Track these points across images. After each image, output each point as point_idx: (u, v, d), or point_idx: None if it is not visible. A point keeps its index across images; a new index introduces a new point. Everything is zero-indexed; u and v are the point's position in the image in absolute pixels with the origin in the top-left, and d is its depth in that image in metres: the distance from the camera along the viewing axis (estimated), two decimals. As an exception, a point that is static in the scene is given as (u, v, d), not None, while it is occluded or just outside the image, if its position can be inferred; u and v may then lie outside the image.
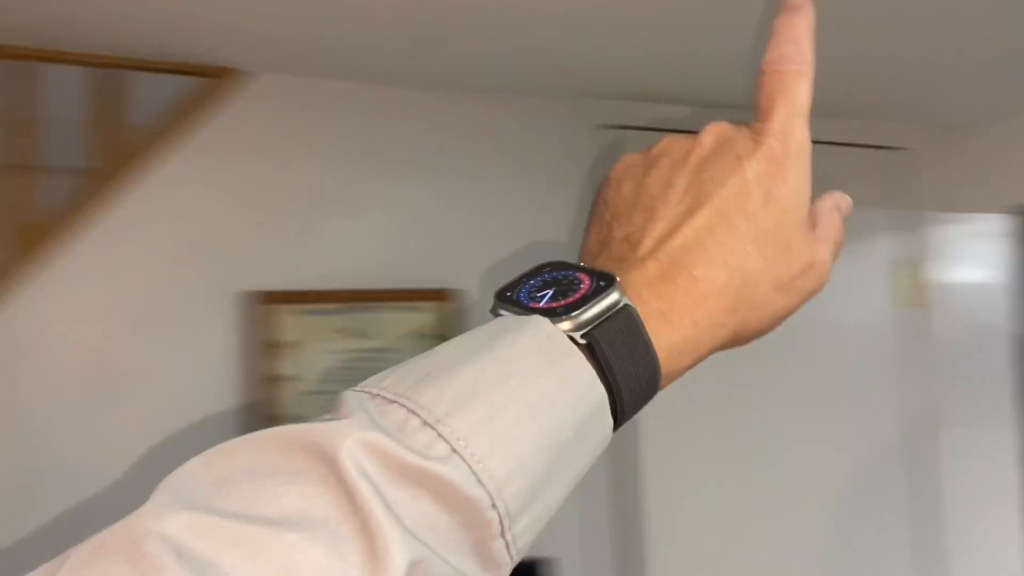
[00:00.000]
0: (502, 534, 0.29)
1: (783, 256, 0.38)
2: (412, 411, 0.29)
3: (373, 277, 1.95)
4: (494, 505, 0.28)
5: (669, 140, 0.41)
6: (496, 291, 0.39)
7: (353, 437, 0.27)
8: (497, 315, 0.38)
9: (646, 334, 0.35)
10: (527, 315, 0.35)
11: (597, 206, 0.42)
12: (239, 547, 0.25)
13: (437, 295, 1.99)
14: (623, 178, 0.41)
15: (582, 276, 0.37)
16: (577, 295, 0.35)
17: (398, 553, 0.26)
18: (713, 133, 0.39)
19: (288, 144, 1.92)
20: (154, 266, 1.79)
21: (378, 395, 0.30)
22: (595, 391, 0.33)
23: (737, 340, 0.38)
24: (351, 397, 0.30)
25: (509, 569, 0.30)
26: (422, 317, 1.97)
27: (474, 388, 0.30)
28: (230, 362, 1.80)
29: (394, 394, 0.30)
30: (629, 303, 0.35)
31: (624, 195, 0.40)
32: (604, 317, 0.34)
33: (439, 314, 1.99)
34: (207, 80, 1.84)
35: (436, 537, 0.28)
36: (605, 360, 0.33)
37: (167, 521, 0.25)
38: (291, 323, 1.84)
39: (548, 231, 2.17)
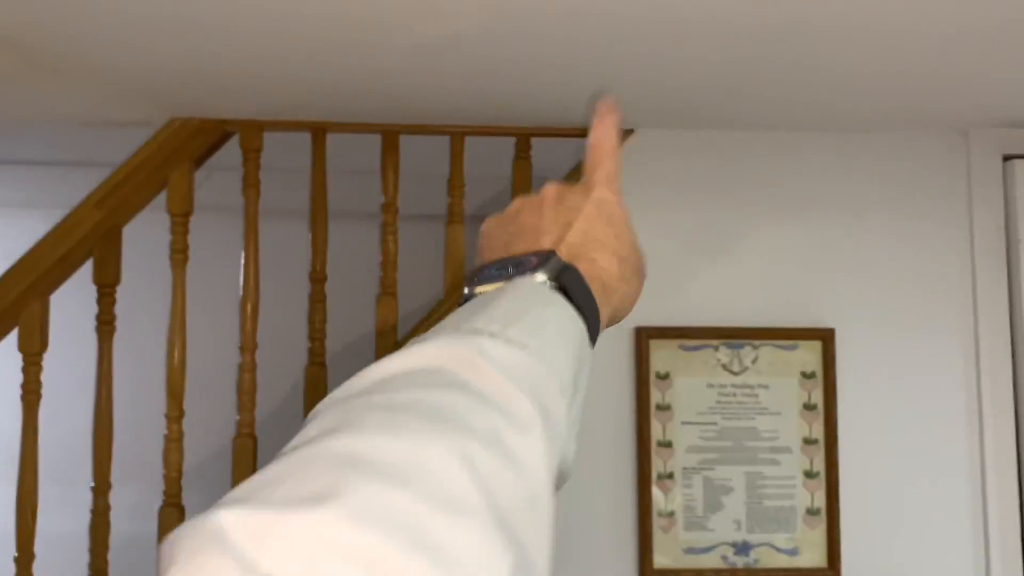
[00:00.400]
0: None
1: (631, 253, 0.56)
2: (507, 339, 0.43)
3: (750, 314, 2.01)
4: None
5: (520, 199, 0.58)
6: (467, 277, 0.54)
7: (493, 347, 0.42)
8: (473, 292, 0.52)
9: (585, 282, 0.51)
10: (511, 280, 0.50)
11: (481, 244, 0.58)
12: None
13: (815, 333, 1.99)
14: (495, 227, 0.57)
15: (528, 256, 0.52)
16: (534, 263, 0.51)
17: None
18: (553, 188, 0.57)
19: (666, 189, 2.07)
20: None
21: (478, 331, 0.43)
22: (574, 315, 0.49)
23: (619, 310, 0.56)
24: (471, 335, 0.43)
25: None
26: (800, 355, 1.98)
27: (520, 317, 0.45)
28: (624, 391, 1.98)
29: (490, 332, 0.43)
30: (571, 264, 0.51)
31: (507, 232, 0.56)
32: (561, 270, 0.50)
33: (817, 353, 1.98)
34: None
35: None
36: (574, 298, 0.50)
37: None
38: (668, 357, 1.97)
39: (935, 268, 2.04)
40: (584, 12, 1.45)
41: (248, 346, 2.00)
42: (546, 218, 0.55)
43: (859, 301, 2.04)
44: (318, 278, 2.06)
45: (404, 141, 2.10)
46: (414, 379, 0.39)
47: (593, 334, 0.51)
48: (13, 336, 1.96)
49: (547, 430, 0.39)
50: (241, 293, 2.02)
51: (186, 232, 2.01)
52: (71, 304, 2.17)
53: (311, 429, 0.35)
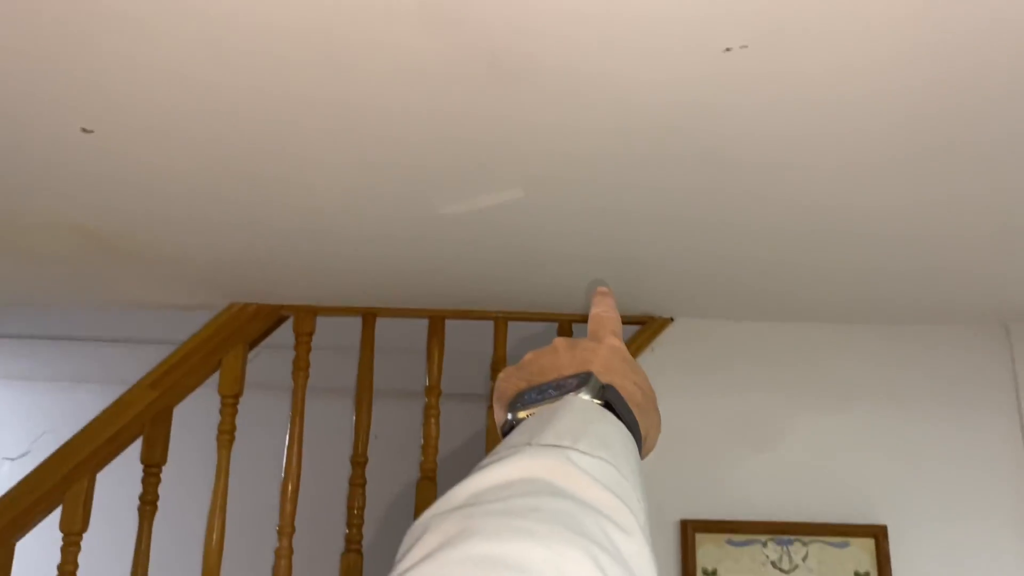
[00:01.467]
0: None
1: (647, 387, 0.58)
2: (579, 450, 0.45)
3: (798, 508, 1.95)
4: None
5: (532, 352, 0.61)
6: (508, 404, 0.55)
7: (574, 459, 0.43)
8: (517, 417, 0.53)
9: (624, 400, 0.53)
10: (558, 400, 0.52)
11: (500, 391, 0.60)
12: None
13: (867, 530, 1.91)
14: (512, 374, 0.60)
15: (567, 379, 0.54)
16: (575, 383, 0.53)
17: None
18: (562, 339, 0.61)
19: (707, 379, 2.08)
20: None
21: (554, 445, 0.45)
22: (626, 430, 0.51)
23: (649, 437, 0.57)
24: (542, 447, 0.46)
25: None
26: (853, 553, 1.90)
27: (585, 431, 0.46)
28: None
29: (564, 446, 0.45)
30: (609, 383, 0.54)
31: (527, 373, 0.58)
32: (602, 388, 0.52)
33: (870, 551, 1.90)
34: (638, 327, 2.11)
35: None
36: (620, 413, 0.52)
37: None
38: (714, 553, 1.90)
39: (986, 457, 1.99)
40: (622, 211, 1.53)
41: (286, 530, 1.98)
42: (563, 359, 0.58)
43: (911, 495, 1.98)
44: (359, 461, 2.06)
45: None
46: (517, 489, 0.39)
47: (639, 447, 0.53)
48: (55, 513, 1.98)
49: (644, 535, 0.40)
50: (283, 474, 2.02)
51: (235, 413, 2.05)
52: (112, 481, 2.19)
53: (430, 540, 0.36)
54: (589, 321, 0.64)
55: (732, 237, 1.63)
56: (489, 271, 1.90)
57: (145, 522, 2.00)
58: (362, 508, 2.03)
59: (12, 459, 3.39)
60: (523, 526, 0.36)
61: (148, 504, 2.01)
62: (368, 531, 2.04)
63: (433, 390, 2.11)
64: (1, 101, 1.14)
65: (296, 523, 1.99)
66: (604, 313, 0.64)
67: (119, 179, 1.41)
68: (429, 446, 2.06)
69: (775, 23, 0.95)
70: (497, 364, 2.13)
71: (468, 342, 2.33)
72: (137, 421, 2.03)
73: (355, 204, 1.51)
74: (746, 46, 0.98)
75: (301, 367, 2.10)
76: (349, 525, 2.02)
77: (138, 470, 2.04)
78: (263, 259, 1.84)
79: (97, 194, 1.48)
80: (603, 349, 0.59)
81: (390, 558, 0.41)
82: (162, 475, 2.05)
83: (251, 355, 2.17)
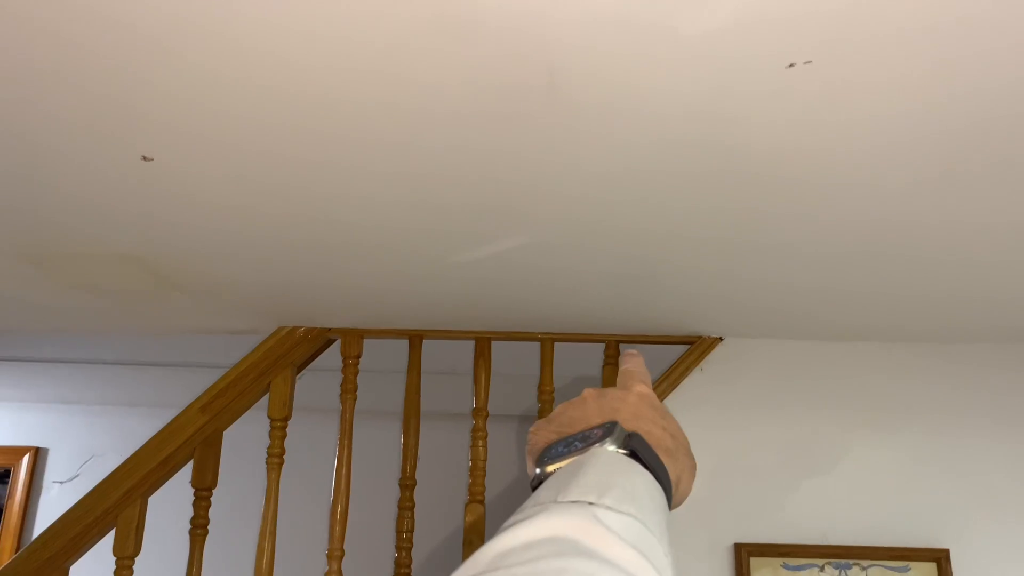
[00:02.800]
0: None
1: (679, 433, 0.58)
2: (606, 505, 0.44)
3: (855, 532, 1.91)
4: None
5: (563, 404, 0.61)
6: (537, 458, 0.55)
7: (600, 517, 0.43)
8: (545, 471, 0.52)
9: (651, 447, 0.53)
10: (583, 453, 0.52)
11: (532, 443, 0.59)
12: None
13: (929, 554, 1.86)
14: (542, 426, 0.59)
15: (590, 431, 0.54)
16: (600, 434, 0.53)
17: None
18: (591, 389, 0.60)
19: (756, 399, 2.05)
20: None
21: (579, 501, 0.44)
22: (653, 480, 0.51)
23: (681, 483, 0.56)
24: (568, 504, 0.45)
25: None
26: (913, 577, 1.84)
27: (611, 485, 0.46)
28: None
29: (589, 502, 0.44)
30: (635, 431, 0.53)
31: (557, 424, 0.58)
32: (627, 437, 0.52)
33: (932, 575, 1.85)
34: (687, 347, 2.09)
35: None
36: (647, 462, 0.51)
37: None
38: (772, 576, 1.86)
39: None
40: (669, 233, 1.52)
41: (335, 554, 1.98)
42: (591, 410, 0.58)
43: (973, 517, 1.93)
44: (408, 484, 2.06)
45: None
46: (542, 549, 0.39)
47: (668, 496, 0.53)
48: (108, 537, 2.00)
49: None
50: (332, 497, 2.03)
51: (284, 436, 2.06)
52: (163, 505, 2.21)
53: None
54: (619, 376, 0.65)
55: (783, 258, 1.61)
56: (534, 294, 1.89)
57: (196, 546, 2.01)
58: (411, 531, 2.02)
59: (62, 483, 3.44)
60: None
61: (199, 528, 2.02)
62: (417, 554, 2.03)
63: (480, 412, 2.11)
64: (62, 133, 1.17)
65: (345, 546, 1.99)
66: (633, 368, 0.65)
67: (175, 210, 1.44)
68: (477, 468, 2.05)
69: (837, 37, 0.94)
70: (544, 387, 2.12)
71: (516, 364, 2.33)
72: (188, 445, 2.05)
73: (399, 240, 1.52)
74: (810, 62, 0.97)
75: (349, 389, 2.10)
76: (398, 548, 2.01)
77: (189, 494, 2.05)
78: (311, 284, 1.85)
79: (152, 225, 1.51)
80: (631, 396, 0.59)
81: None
82: (212, 499, 2.06)
83: (299, 378, 2.19)
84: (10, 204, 1.43)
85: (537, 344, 2.16)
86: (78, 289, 1.88)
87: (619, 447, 0.52)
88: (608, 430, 0.53)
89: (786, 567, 1.87)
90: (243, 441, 2.22)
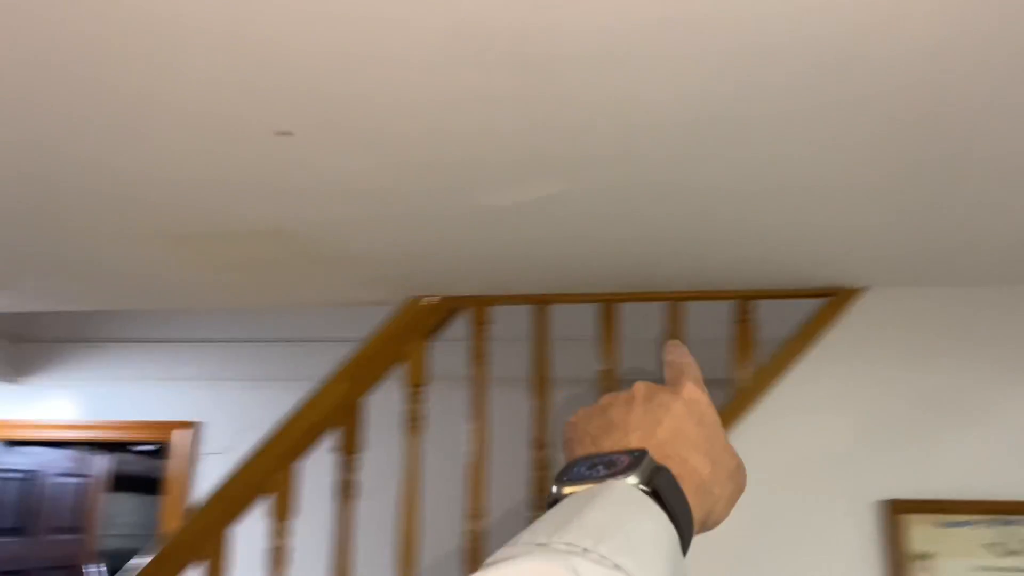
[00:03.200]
0: None
1: (723, 456, 0.55)
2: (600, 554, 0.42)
3: (1017, 486, 1.79)
4: None
5: (611, 395, 0.58)
6: (558, 473, 0.52)
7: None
8: (561, 492, 0.50)
9: (679, 484, 0.50)
10: (602, 482, 0.49)
11: (568, 437, 0.58)
12: None
13: (1103, 510, 1.73)
14: (583, 419, 0.57)
15: (618, 455, 0.51)
16: (626, 463, 0.50)
17: None
18: (643, 385, 0.57)
19: (904, 350, 1.95)
20: (790, 473, 1.92)
21: (569, 547, 0.43)
22: (668, 523, 0.48)
23: (714, 514, 0.54)
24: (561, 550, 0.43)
25: None
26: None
27: (614, 530, 0.44)
28: (872, 573, 1.80)
29: (583, 548, 0.42)
30: (663, 465, 0.50)
31: (595, 426, 0.56)
32: (653, 472, 0.49)
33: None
34: (825, 300, 2.01)
35: None
36: (668, 502, 0.48)
37: None
38: (927, 535, 1.77)
39: None
40: (810, 187, 1.46)
41: (475, 513, 2.03)
42: (635, 414, 0.55)
43: None
44: (540, 445, 2.08)
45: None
46: None
47: (686, 539, 0.49)
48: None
49: None
50: (469, 461, 2.07)
51: (421, 402, 2.12)
52: (312, 471, 2.33)
53: None
54: (664, 368, 0.61)
55: (934, 203, 1.51)
56: (663, 253, 1.86)
57: (347, 507, 2.10)
58: (546, 491, 2.05)
59: (218, 454, 3.67)
60: None
61: (346, 491, 2.12)
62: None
63: (610, 375, 2.10)
64: (203, 102, 1.23)
65: (488, 506, 2.04)
66: (680, 359, 0.61)
67: (312, 184, 1.49)
68: (610, 430, 2.05)
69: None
70: (674, 345, 2.08)
71: (637, 327, 2.31)
72: (331, 413, 2.15)
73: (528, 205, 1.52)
74: None
75: (479, 355, 2.14)
76: (536, 508, 2.04)
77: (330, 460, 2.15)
78: (438, 254, 1.89)
79: (290, 200, 1.57)
80: (677, 405, 0.56)
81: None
82: (357, 464, 2.15)
83: (432, 347, 2.24)
84: (151, 185, 1.52)
85: (663, 304, 2.13)
86: (218, 267, 1.99)
87: (642, 483, 0.49)
88: (636, 460, 0.51)
89: (943, 524, 1.78)
90: (382, 409, 2.31)
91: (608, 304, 2.13)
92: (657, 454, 0.52)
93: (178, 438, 3.62)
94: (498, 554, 0.43)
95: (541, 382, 2.12)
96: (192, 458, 3.64)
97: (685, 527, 0.50)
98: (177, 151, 1.36)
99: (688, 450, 0.53)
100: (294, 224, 1.71)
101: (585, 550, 0.42)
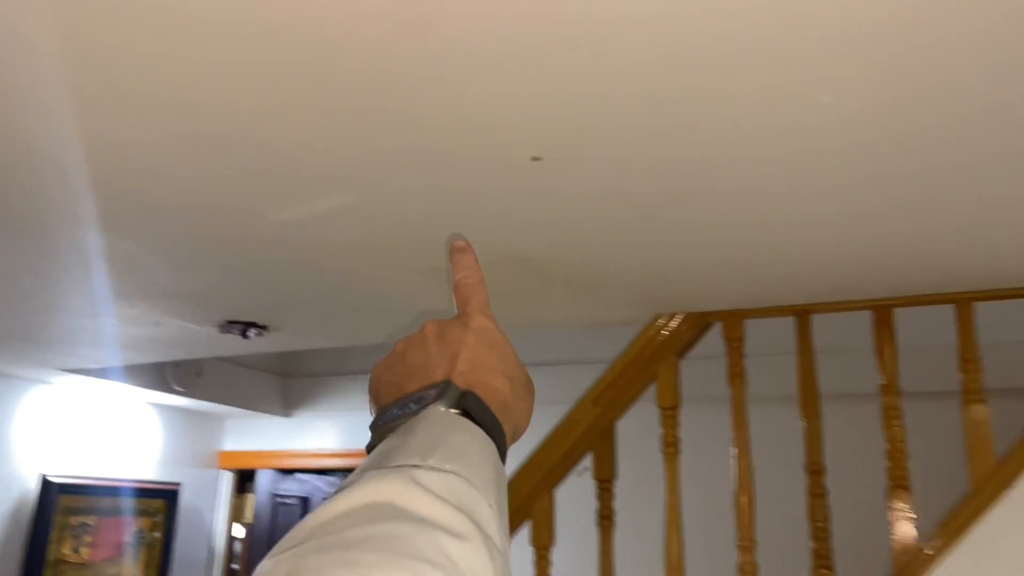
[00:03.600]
0: None
1: (517, 372, 0.59)
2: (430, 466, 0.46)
3: None
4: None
5: (404, 340, 0.60)
6: (372, 422, 0.54)
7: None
8: (380, 436, 0.52)
9: (486, 405, 0.54)
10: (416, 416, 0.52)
11: (373, 391, 0.59)
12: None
13: None
14: (383, 370, 0.59)
15: (425, 391, 0.54)
16: (434, 394, 0.53)
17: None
18: (432, 323, 0.60)
19: None
20: None
21: (401, 466, 0.46)
22: (484, 436, 0.52)
23: (519, 426, 0.58)
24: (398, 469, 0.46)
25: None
26: None
27: (437, 446, 0.48)
28: None
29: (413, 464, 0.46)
30: (469, 390, 0.54)
31: (396, 373, 0.58)
32: (460, 396, 0.53)
33: None
34: None
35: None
36: (480, 420, 0.52)
37: None
38: None
39: None
40: None
41: (746, 544, 1.89)
42: (432, 354, 0.57)
43: None
44: (815, 470, 1.90)
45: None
46: (357, 517, 0.41)
47: (501, 450, 0.53)
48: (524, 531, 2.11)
49: (483, 538, 0.42)
50: (735, 486, 1.94)
51: (676, 425, 2.03)
52: (566, 497, 2.29)
53: None
54: (452, 292, 0.62)
55: None
56: (943, 248, 1.64)
57: (606, 536, 2.04)
58: (826, 520, 1.87)
59: (467, 479, 3.76)
60: (350, 558, 0.37)
61: (606, 519, 2.06)
62: (839, 544, 1.87)
63: (890, 389, 1.88)
64: (459, 131, 1.23)
65: (756, 536, 1.89)
66: (465, 279, 0.62)
67: (560, 208, 1.46)
68: (896, 451, 1.83)
69: None
70: (967, 355, 1.83)
71: (919, 335, 2.07)
72: (584, 438, 2.10)
73: (788, 207, 1.39)
74: None
75: (737, 373, 2.01)
76: (815, 539, 1.86)
77: (587, 486, 2.10)
78: (688, 267, 1.79)
79: (538, 224, 1.55)
80: (470, 337, 0.58)
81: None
82: (614, 489, 2.09)
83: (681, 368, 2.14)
84: (404, 225, 1.55)
85: (948, 308, 1.88)
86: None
87: (452, 407, 0.53)
88: (442, 391, 0.54)
89: None
90: (634, 432, 2.23)
91: (882, 310, 1.92)
92: (460, 383, 0.55)
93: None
94: (335, 491, 0.45)
95: (810, 399, 1.94)
96: (445, 483, 3.76)
97: (499, 441, 0.53)
98: (433, 191, 1.38)
99: (487, 375, 0.56)
100: (540, 248, 1.69)
101: (417, 465, 0.45)
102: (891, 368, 1.89)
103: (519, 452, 2.20)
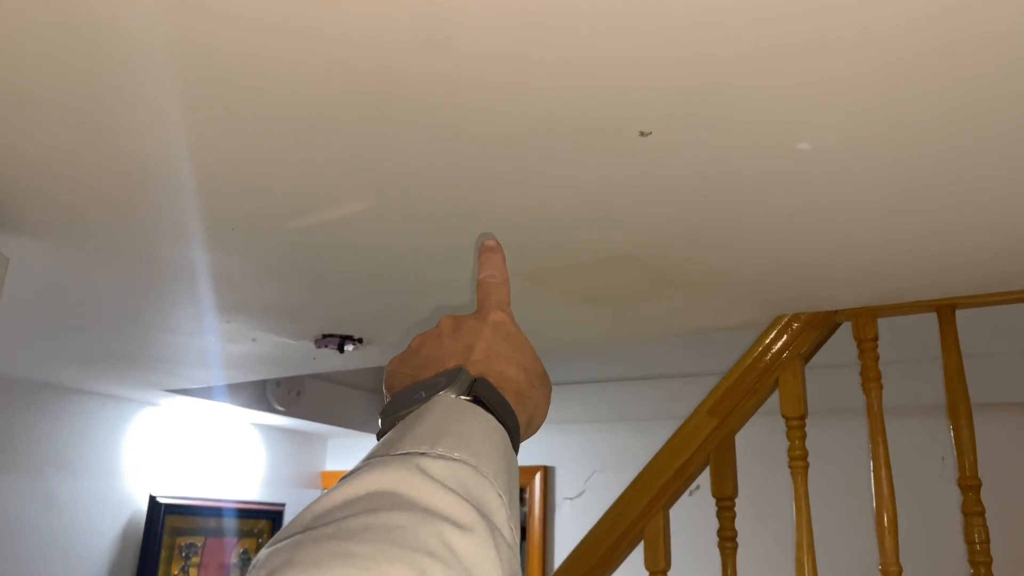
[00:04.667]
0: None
1: (533, 364, 0.59)
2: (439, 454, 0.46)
3: None
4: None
5: (419, 335, 0.61)
6: (380, 412, 0.53)
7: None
8: (391, 423, 0.52)
9: (498, 391, 0.54)
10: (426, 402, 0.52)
11: (387, 384, 0.60)
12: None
13: None
14: (399, 364, 0.60)
15: (436, 378, 0.54)
16: (444, 381, 0.53)
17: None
18: (448, 319, 0.60)
19: None
20: None
21: (408, 453, 0.45)
22: (495, 423, 0.51)
23: (534, 418, 0.58)
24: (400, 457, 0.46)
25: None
26: None
27: (445, 433, 0.47)
28: None
29: (421, 452, 0.46)
30: (481, 376, 0.54)
31: (411, 366, 0.58)
32: (471, 383, 0.53)
33: None
34: None
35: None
36: (491, 406, 0.52)
37: None
38: None
39: None
40: None
41: (890, 569, 1.68)
42: (446, 347, 0.57)
43: None
44: (970, 485, 1.68)
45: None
46: (358, 506, 0.40)
47: (515, 437, 0.52)
48: (637, 552, 1.96)
49: (489, 529, 0.41)
50: (874, 504, 1.74)
51: (804, 436, 1.84)
52: (685, 516, 2.13)
53: (259, 573, 0.36)
54: (476, 289, 0.63)
55: None
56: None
57: (728, 560, 1.87)
58: (985, 542, 1.64)
59: (571, 499, 3.63)
60: (347, 549, 0.36)
61: (728, 541, 1.88)
62: (1000, 570, 1.64)
63: (1056, 390, 1.65)
64: (553, 128, 1.11)
65: (902, 560, 1.68)
66: (489, 279, 0.63)
67: (670, 196, 1.32)
68: (1067, 462, 1.60)
69: None
70: None
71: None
72: (701, 451, 1.94)
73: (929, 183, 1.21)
74: None
75: (871, 378, 1.81)
76: (973, 563, 1.64)
77: (708, 504, 1.93)
78: (813, 261, 1.62)
79: (645, 218, 1.42)
80: (486, 329, 0.58)
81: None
82: (734, 508, 1.92)
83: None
84: (508, 223, 1.44)
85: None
86: (573, 302, 1.89)
87: (462, 394, 0.52)
88: (452, 377, 0.53)
89: None
90: (757, 445, 2.05)
91: (1042, 302, 1.70)
92: (473, 371, 0.54)
93: (535, 483, 3.64)
94: (341, 479, 0.43)
95: (959, 403, 1.73)
96: (548, 503, 3.63)
97: (512, 429, 0.52)
98: (532, 186, 1.27)
99: (502, 364, 0.56)
100: (649, 245, 1.55)
101: (423, 453, 0.44)
102: (1056, 367, 1.66)
103: (628, 471, 2.06)
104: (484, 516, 0.41)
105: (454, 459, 0.44)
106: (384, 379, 0.61)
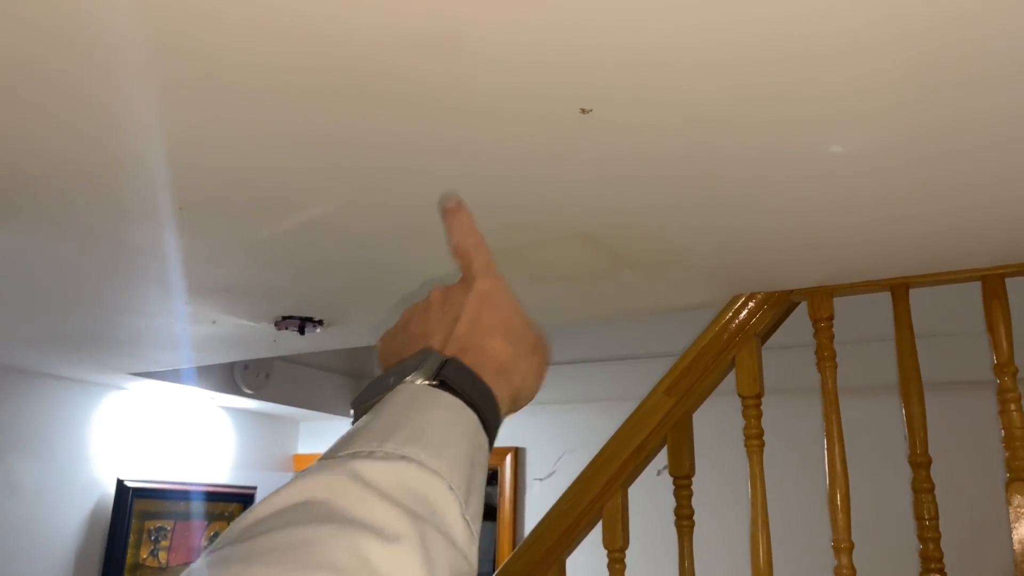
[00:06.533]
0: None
1: (522, 333, 0.58)
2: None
3: None
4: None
5: (410, 308, 0.60)
6: (351, 402, 0.52)
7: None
8: (361, 413, 0.50)
9: (472, 370, 0.52)
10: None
11: (379, 361, 0.59)
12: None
13: None
14: (388, 340, 0.60)
15: (407, 361, 0.53)
16: (413, 365, 0.52)
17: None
18: (438, 290, 0.59)
19: None
20: None
21: (356, 452, 0.45)
22: (460, 406, 0.50)
23: (523, 388, 0.56)
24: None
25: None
26: None
27: (397, 428, 0.46)
28: None
29: (367, 452, 0.44)
30: (453, 357, 0.53)
31: (399, 343, 0.58)
32: (440, 366, 0.51)
33: None
34: None
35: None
36: (460, 390, 0.51)
37: None
38: None
39: None
40: None
41: (842, 545, 1.70)
42: (432, 321, 0.56)
43: None
44: (920, 462, 1.70)
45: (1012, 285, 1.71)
46: (281, 519, 0.39)
47: (491, 418, 0.51)
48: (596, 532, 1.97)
49: (419, 536, 0.39)
50: (827, 481, 1.75)
51: (759, 416, 1.85)
52: (642, 496, 2.14)
53: None
54: (453, 255, 0.60)
55: None
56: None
57: (685, 538, 1.88)
58: (934, 518, 1.66)
59: (541, 479, 3.64)
60: (251, 572, 0.36)
61: (685, 519, 1.90)
62: (949, 546, 1.66)
63: (1005, 369, 1.67)
64: (505, 79, 1.10)
65: (858, 537, 1.70)
66: (463, 242, 0.60)
67: (621, 172, 1.32)
68: (1014, 439, 1.62)
69: None
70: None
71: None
72: (658, 430, 1.95)
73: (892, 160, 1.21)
74: None
75: (826, 357, 1.82)
76: (921, 539, 1.66)
77: (665, 484, 1.94)
78: (769, 241, 1.62)
79: (597, 190, 1.41)
80: (471, 300, 0.56)
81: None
82: (691, 486, 1.93)
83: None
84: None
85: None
86: (532, 280, 1.89)
87: (430, 378, 0.50)
88: (421, 360, 0.52)
89: None
90: (713, 425, 2.07)
91: (991, 279, 1.71)
92: (454, 348, 0.53)
93: (505, 464, 3.65)
94: (275, 491, 0.42)
95: (911, 382, 1.74)
96: (519, 484, 3.64)
97: (487, 410, 0.50)
98: (472, 147, 1.26)
99: (485, 337, 0.54)
100: (601, 225, 1.55)
101: (371, 452, 0.43)
102: (1007, 343, 1.67)
103: (588, 450, 2.06)
104: (420, 520, 0.40)
105: (400, 458, 0.43)
106: (377, 357, 0.61)
